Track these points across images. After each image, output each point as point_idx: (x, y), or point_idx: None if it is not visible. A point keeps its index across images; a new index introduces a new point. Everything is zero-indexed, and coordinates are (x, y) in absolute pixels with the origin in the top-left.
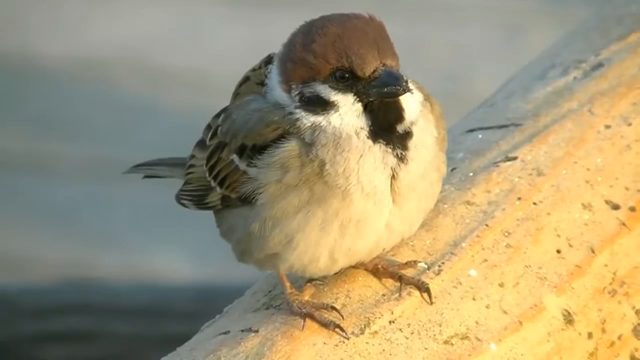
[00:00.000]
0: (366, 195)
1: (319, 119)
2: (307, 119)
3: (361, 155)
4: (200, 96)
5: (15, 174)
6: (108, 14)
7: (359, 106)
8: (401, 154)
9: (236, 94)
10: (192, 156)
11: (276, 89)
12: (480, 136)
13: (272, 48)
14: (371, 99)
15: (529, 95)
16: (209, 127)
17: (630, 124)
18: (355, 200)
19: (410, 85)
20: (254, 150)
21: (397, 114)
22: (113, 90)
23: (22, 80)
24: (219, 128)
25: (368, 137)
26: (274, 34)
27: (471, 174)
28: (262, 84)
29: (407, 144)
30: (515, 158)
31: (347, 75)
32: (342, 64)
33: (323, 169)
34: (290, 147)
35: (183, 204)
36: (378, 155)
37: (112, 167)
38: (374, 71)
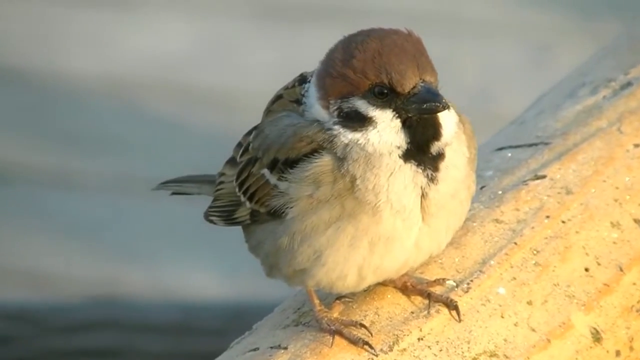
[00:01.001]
0: (395, 213)
1: (357, 136)
2: (345, 136)
3: (391, 173)
4: (229, 114)
5: (44, 190)
6: (136, 31)
7: (397, 122)
8: (432, 174)
9: (268, 112)
10: (222, 174)
11: (314, 106)
12: (509, 154)
13: (301, 65)
14: (410, 115)
15: (559, 114)
16: (239, 145)
17: None
18: (385, 217)
19: (444, 102)
20: (286, 164)
21: (435, 131)
22: (141, 107)
23: (50, 97)
24: (251, 144)
25: (400, 157)
26: (303, 51)
27: (500, 192)
28: (297, 101)
29: (438, 165)
30: (544, 176)
31: (385, 91)
32: (381, 79)
33: (354, 185)
34: (324, 162)
35: (211, 221)
36: (408, 174)
37: (140, 184)
38: (414, 87)
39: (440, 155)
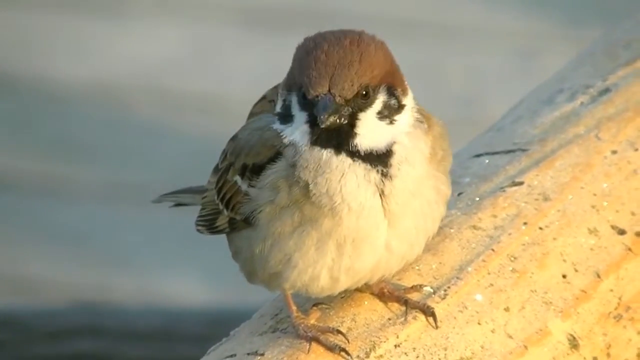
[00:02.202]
0: (354, 213)
1: (282, 127)
2: (277, 126)
3: (342, 174)
4: (216, 120)
5: (30, 196)
6: (123, 37)
7: (306, 126)
8: (383, 170)
9: (250, 114)
10: (209, 181)
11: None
12: (487, 161)
13: (286, 71)
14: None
15: (537, 120)
16: (223, 151)
17: (636, 149)
18: (345, 218)
19: (331, 119)
20: (253, 170)
21: (343, 138)
22: (129, 113)
23: (38, 103)
24: (227, 151)
25: (347, 156)
26: (289, 57)
27: (477, 199)
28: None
29: (387, 162)
30: (521, 183)
31: (304, 94)
32: (299, 81)
33: (308, 190)
34: (278, 168)
35: (199, 230)
36: (360, 172)
37: (127, 191)
38: (316, 96)
39: (389, 152)
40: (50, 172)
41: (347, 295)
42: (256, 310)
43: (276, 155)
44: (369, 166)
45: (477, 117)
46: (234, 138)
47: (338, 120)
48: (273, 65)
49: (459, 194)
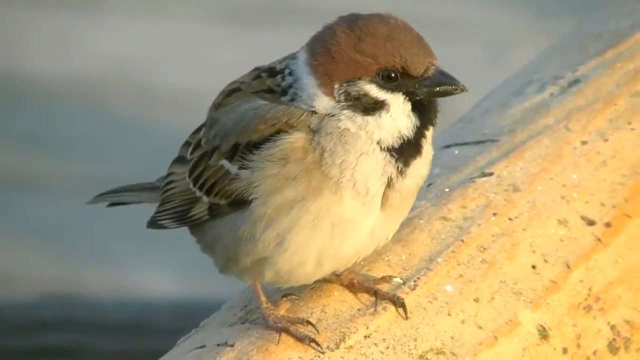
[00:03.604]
0: (357, 194)
1: (368, 119)
2: (354, 120)
3: (362, 154)
4: (191, 114)
5: (3, 190)
6: (98, 32)
7: (408, 105)
8: (402, 167)
9: (218, 106)
10: (169, 174)
11: (315, 93)
12: (456, 152)
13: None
14: (419, 98)
15: (506, 111)
16: (187, 143)
17: (606, 140)
18: (346, 196)
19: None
20: (248, 148)
21: (436, 116)
22: (103, 108)
23: (11, 97)
24: (203, 139)
25: (377, 142)
26: (263, 52)
27: (447, 190)
28: (269, 90)
29: (409, 161)
30: (491, 174)
31: (394, 75)
32: (392, 63)
33: (322, 158)
34: (294, 138)
35: (162, 225)
36: (380, 161)
37: (99, 185)
38: (426, 70)
39: (418, 151)
40: (24, 166)
41: (317, 286)
42: (225, 301)
43: (279, 131)
44: (392, 158)
45: (448, 109)
46: (212, 124)
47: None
48: (246, 59)
49: (429, 185)
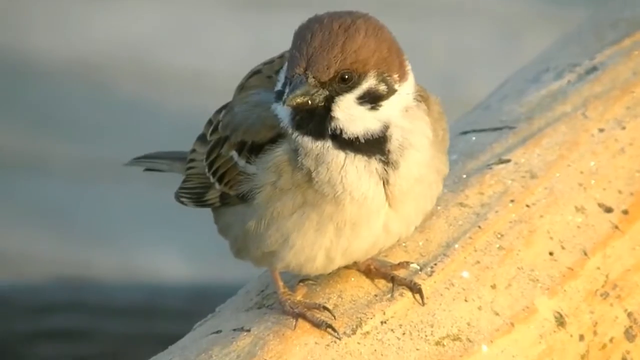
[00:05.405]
0: (356, 202)
1: (276, 107)
2: (275, 108)
3: (342, 166)
4: (199, 96)
5: (12, 172)
6: (107, 13)
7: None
8: (383, 158)
9: (241, 88)
10: (193, 150)
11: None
12: (474, 138)
13: (271, 48)
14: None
15: (523, 99)
16: (210, 122)
17: (624, 128)
18: (347, 205)
19: (297, 99)
20: (252, 149)
21: (320, 121)
22: (111, 89)
23: (19, 79)
24: (220, 123)
25: (337, 148)
26: (273, 35)
27: (464, 176)
28: (277, 72)
29: (384, 148)
30: (508, 161)
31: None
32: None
33: (311, 177)
34: (281, 152)
35: (182, 202)
36: (360, 163)
37: (109, 167)
38: (292, 76)
39: (383, 138)
40: (32, 148)
41: (334, 272)
42: (239, 285)
43: (277, 137)
44: (366, 157)
45: (462, 97)
46: (228, 110)
47: (309, 102)
48: (255, 42)
49: None
